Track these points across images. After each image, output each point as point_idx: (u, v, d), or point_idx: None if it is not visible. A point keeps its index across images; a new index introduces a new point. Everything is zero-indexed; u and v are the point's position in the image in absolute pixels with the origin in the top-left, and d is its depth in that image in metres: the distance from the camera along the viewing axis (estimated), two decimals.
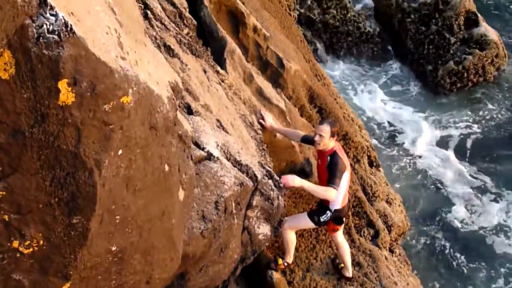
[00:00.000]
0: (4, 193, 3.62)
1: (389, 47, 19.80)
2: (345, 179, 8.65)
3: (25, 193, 3.70)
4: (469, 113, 17.42)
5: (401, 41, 19.39)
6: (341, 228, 9.46)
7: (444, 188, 15.12)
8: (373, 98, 17.94)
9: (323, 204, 9.01)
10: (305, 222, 9.10)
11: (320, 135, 8.41)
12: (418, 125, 17.02)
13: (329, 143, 8.48)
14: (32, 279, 4.09)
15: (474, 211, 14.53)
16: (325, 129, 8.40)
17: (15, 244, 3.86)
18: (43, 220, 3.86)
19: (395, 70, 19.07)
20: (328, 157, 8.52)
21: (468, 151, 16.22)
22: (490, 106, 17.61)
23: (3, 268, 3.93)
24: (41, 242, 3.94)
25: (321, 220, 8.99)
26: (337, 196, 8.70)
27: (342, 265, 10.00)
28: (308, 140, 8.96)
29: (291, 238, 9.40)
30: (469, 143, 16.47)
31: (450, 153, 16.13)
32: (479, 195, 14.96)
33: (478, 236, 13.90)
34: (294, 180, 8.21)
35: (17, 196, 3.68)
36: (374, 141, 15.34)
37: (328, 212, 8.91)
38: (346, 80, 18.63)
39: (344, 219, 9.15)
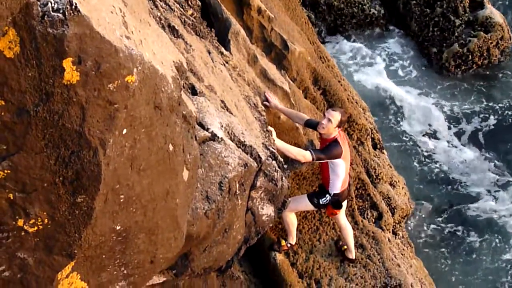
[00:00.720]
0: (9, 171, 3.63)
1: (394, 29, 19.73)
2: (342, 166, 8.70)
3: (30, 172, 3.71)
4: (474, 95, 17.35)
5: (406, 24, 19.32)
6: (343, 211, 9.49)
7: (448, 170, 15.11)
8: (377, 80, 17.89)
9: (323, 187, 9.06)
10: (305, 204, 9.16)
11: (329, 120, 8.44)
12: (422, 107, 16.97)
13: (333, 131, 8.50)
14: (37, 258, 4.11)
15: (478, 193, 14.53)
16: (336, 115, 8.44)
17: (20, 222, 3.87)
18: (47, 199, 3.87)
19: (400, 52, 19.00)
20: (328, 143, 8.56)
21: (472, 133, 16.19)
22: (494, 88, 17.55)
23: (8, 246, 3.94)
24: (46, 220, 3.95)
25: (321, 202, 9.05)
26: (336, 181, 8.80)
27: (345, 247, 10.04)
28: (311, 124, 8.97)
29: (291, 220, 9.45)
30: (473, 125, 16.43)
31: (454, 135, 16.10)
32: (484, 177, 14.94)
33: (482, 218, 13.91)
34: (272, 133, 8.26)
35: (21, 175, 3.69)
36: (378, 123, 15.31)
37: (327, 195, 8.97)
38: (350, 61, 18.58)
39: (342, 204, 9.17)
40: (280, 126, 9.56)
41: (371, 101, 16.64)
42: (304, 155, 8.30)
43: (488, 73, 17.92)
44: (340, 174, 8.75)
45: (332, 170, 8.76)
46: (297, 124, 9.78)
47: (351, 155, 10.06)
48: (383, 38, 19.40)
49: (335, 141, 8.55)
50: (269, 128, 8.36)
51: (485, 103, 17.13)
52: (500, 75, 17.89)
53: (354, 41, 19.14)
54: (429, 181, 14.82)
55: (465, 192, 14.51)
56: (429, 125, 16.42)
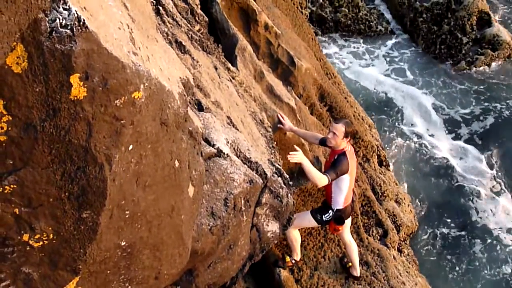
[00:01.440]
0: (15, 186, 3.63)
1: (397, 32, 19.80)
2: (347, 181, 8.68)
3: (36, 187, 3.72)
4: (481, 110, 17.33)
5: (413, 41, 19.37)
6: (347, 228, 9.47)
7: (455, 183, 15.07)
8: (383, 97, 17.89)
9: (326, 203, 9.05)
10: (308, 220, 9.14)
11: (334, 133, 8.44)
12: (426, 125, 16.96)
13: (342, 143, 8.50)
14: (42, 273, 4.10)
15: (487, 208, 14.47)
16: (340, 128, 8.43)
17: (25, 237, 3.87)
18: (53, 214, 3.87)
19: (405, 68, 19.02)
20: (336, 156, 8.56)
21: (481, 143, 16.14)
22: (500, 102, 17.53)
23: (13, 261, 3.94)
24: (51, 236, 3.95)
25: (324, 219, 9.03)
26: (339, 196, 8.78)
27: (350, 264, 10.02)
28: (323, 142, 8.98)
29: (295, 236, 9.44)
30: (481, 136, 16.39)
31: (461, 153, 16.07)
32: (493, 190, 14.88)
33: (490, 233, 13.84)
34: (299, 153, 8.24)
35: (27, 190, 3.70)
36: (385, 136, 15.31)
37: (330, 211, 8.95)
38: (355, 76, 18.59)
39: (346, 220, 9.15)
40: (286, 142, 9.56)
41: (377, 116, 16.64)
42: (321, 180, 8.25)
43: (490, 75, 17.90)
44: (344, 189, 8.73)
45: (335, 185, 8.74)
46: (302, 140, 9.79)
47: (357, 171, 10.06)
48: (385, 41, 19.42)
49: (343, 154, 8.54)
50: (296, 147, 8.36)
51: (494, 113, 17.09)
52: (502, 76, 17.86)
53: (355, 44, 19.15)
54: (435, 199, 14.78)
55: (471, 204, 14.44)
56: (436, 136, 16.38)
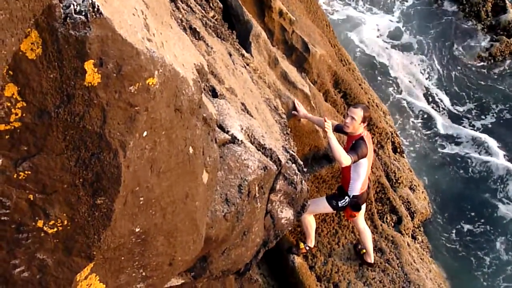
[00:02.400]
0: (29, 172, 3.63)
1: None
2: (365, 166, 8.66)
3: (50, 173, 3.72)
4: (497, 100, 17.22)
5: None
6: (362, 214, 9.45)
7: (470, 171, 15.01)
8: (399, 83, 17.81)
9: (342, 189, 9.03)
10: (324, 206, 9.12)
11: (352, 118, 8.42)
12: (443, 113, 16.88)
13: (359, 128, 8.48)
14: (56, 259, 4.11)
15: (498, 196, 14.41)
16: (358, 112, 8.41)
17: (40, 223, 3.88)
18: (67, 200, 3.88)
19: (421, 56, 18.92)
20: (354, 141, 8.52)
21: (496, 140, 16.05)
22: None
23: (27, 247, 3.95)
24: (66, 222, 3.96)
25: (339, 205, 9.01)
26: (356, 182, 8.76)
27: (364, 250, 10.01)
28: (338, 129, 8.93)
29: (310, 222, 9.43)
30: (498, 126, 16.30)
31: (475, 145, 15.98)
32: (507, 180, 14.82)
33: (503, 222, 13.79)
34: (329, 125, 8.24)
35: (42, 176, 3.70)
36: (398, 123, 15.27)
37: (346, 197, 8.93)
38: (369, 62, 18.52)
39: (362, 206, 9.13)
40: (300, 129, 9.54)
41: (390, 103, 16.59)
42: (346, 160, 8.23)
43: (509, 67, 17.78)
44: (362, 174, 8.70)
45: (354, 170, 8.71)
46: (317, 127, 9.76)
47: (373, 157, 10.04)
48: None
49: (361, 139, 8.52)
50: (327, 119, 8.36)
51: (504, 96, 17.00)
52: None
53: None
54: (449, 186, 14.73)
55: (485, 195, 14.40)
56: (451, 131, 16.31)
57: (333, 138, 8.25)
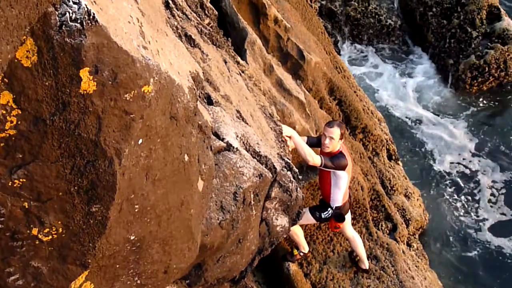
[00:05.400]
0: (24, 180, 3.63)
1: (410, 41, 19.70)
2: (345, 179, 8.64)
3: (45, 181, 3.71)
4: (490, 111, 17.27)
5: (423, 35, 19.29)
6: (348, 223, 9.43)
7: (464, 184, 15.04)
8: (392, 91, 17.86)
9: (324, 201, 9.01)
10: (307, 217, 9.09)
11: (331, 138, 8.34)
12: (437, 120, 16.93)
13: (337, 145, 8.44)
14: (51, 267, 4.10)
15: (494, 207, 14.44)
16: (335, 131, 8.33)
17: (35, 231, 3.87)
18: (62, 208, 3.87)
19: (416, 63, 18.97)
20: (333, 155, 8.49)
21: (488, 149, 16.09)
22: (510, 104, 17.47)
23: (22, 255, 3.94)
24: (60, 230, 3.95)
25: (323, 216, 9.00)
26: (337, 195, 8.76)
27: (358, 257, 10.01)
28: (313, 143, 8.86)
29: (295, 231, 9.42)
30: (489, 141, 16.34)
31: (468, 152, 16.01)
32: (500, 192, 14.84)
33: (499, 231, 13.81)
34: (287, 129, 8.37)
35: (37, 184, 3.70)
36: (392, 134, 15.29)
37: (329, 209, 8.92)
38: (365, 71, 18.57)
39: (346, 216, 9.11)
40: None
41: (385, 112, 16.64)
42: (314, 158, 8.20)
43: (507, 88, 17.83)
44: (342, 187, 8.68)
45: (334, 183, 8.69)
46: (312, 134, 9.76)
47: (354, 167, 10.04)
48: (399, 49, 19.39)
49: (340, 153, 8.49)
50: (283, 126, 8.37)
51: (504, 118, 17.04)
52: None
53: (370, 51, 19.14)
54: (444, 194, 14.76)
55: (481, 205, 14.43)
56: (444, 140, 16.34)
57: (296, 137, 8.27)
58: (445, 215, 14.07)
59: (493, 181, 15.09)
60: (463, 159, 15.71)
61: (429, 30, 18.91)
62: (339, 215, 8.96)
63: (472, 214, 14.18)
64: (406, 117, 16.99)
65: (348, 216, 9.33)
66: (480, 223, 13.97)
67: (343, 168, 8.45)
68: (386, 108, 17.11)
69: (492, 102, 17.49)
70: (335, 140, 8.33)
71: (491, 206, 14.42)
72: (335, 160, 8.37)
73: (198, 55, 7.35)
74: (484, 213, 14.24)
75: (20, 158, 3.56)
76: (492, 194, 14.75)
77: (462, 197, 14.62)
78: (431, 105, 17.47)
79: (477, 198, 14.63)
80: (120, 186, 3.98)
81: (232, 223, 6.22)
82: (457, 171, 15.33)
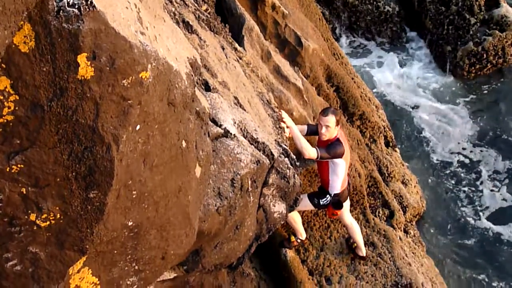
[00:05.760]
0: (22, 166, 3.63)
1: (408, 28, 19.67)
2: (342, 166, 8.61)
3: (43, 167, 3.71)
4: (487, 97, 17.26)
5: (421, 21, 19.25)
6: (346, 210, 9.42)
7: (462, 171, 15.05)
8: (390, 78, 17.86)
9: (323, 188, 9.01)
10: (305, 204, 9.08)
11: (327, 126, 8.33)
12: (434, 107, 16.92)
13: (334, 131, 8.43)
14: (49, 252, 4.11)
15: (492, 194, 14.45)
16: (331, 119, 8.30)
17: (32, 217, 3.87)
18: (60, 194, 3.87)
19: (414, 50, 18.95)
20: (330, 142, 8.47)
21: (486, 135, 16.09)
22: (508, 91, 17.44)
23: (20, 240, 3.95)
24: (58, 215, 3.95)
25: (321, 203, 8.99)
26: (336, 182, 8.73)
27: (355, 244, 10.02)
28: (313, 131, 8.87)
29: (293, 217, 9.41)
30: (487, 128, 16.34)
31: (467, 138, 16.02)
32: (499, 178, 14.85)
33: (496, 218, 13.83)
34: (287, 119, 8.32)
35: (35, 170, 3.69)
36: (390, 121, 15.28)
37: (327, 196, 8.91)
38: (364, 58, 18.56)
39: (344, 204, 9.11)
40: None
41: (382, 98, 16.63)
42: (309, 151, 8.19)
43: (504, 74, 17.80)
44: (340, 174, 8.67)
45: (332, 171, 8.68)
46: (310, 121, 9.76)
47: (352, 154, 10.03)
48: (397, 35, 19.37)
49: (337, 140, 8.47)
50: (282, 112, 8.37)
51: (500, 105, 17.04)
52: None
53: (368, 38, 19.12)
54: (442, 179, 14.77)
55: (479, 192, 14.44)
56: (442, 126, 16.34)
57: (294, 127, 8.27)
58: (442, 202, 14.09)
59: (492, 168, 15.10)
60: (461, 145, 15.71)
61: (427, 16, 18.87)
62: (337, 202, 8.96)
63: (470, 200, 14.19)
64: (404, 104, 16.98)
65: (347, 203, 9.33)
66: (478, 210, 13.99)
67: (339, 156, 8.44)
68: (384, 95, 17.10)
69: (490, 88, 17.48)
70: (331, 128, 8.31)
71: (490, 192, 14.43)
72: (331, 149, 8.36)
73: (196, 41, 7.34)
74: (482, 199, 14.25)
75: (17, 144, 3.56)
76: (491, 181, 14.76)
77: (460, 184, 14.64)
78: (429, 92, 17.45)
79: (475, 184, 14.64)
80: (117, 172, 3.98)
81: (230, 209, 6.22)
82: (455, 158, 15.34)
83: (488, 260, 12.91)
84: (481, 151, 15.55)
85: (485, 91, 17.38)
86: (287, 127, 8.31)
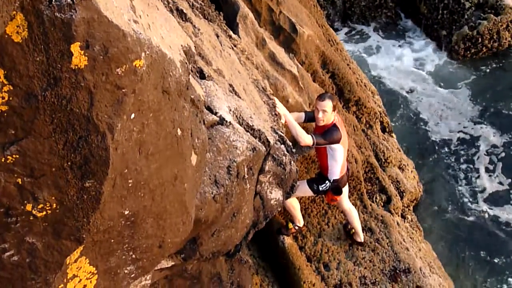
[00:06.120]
0: (17, 156, 3.62)
1: (403, 14, 19.66)
2: (341, 151, 8.64)
3: (38, 157, 3.71)
4: (484, 80, 17.29)
5: (415, 6, 19.24)
6: (345, 195, 9.45)
7: (460, 155, 15.07)
8: (386, 63, 17.86)
9: (322, 174, 9.03)
10: (304, 190, 9.11)
11: (324, 111, 8.35)
12: (431, 91, 16.94)
13: (331, 117, 8.44)
14: (45, 242, 4.11)
15: (488, 178, 14.47)
16: (327, 103, 8.33)
17: (29, 207, 3.87)
18: (56, 184, 3.87)
19: (409, 35, 18.94)
20: (326, 128, 8.49)
21: (482, 119, 16.12)
22: (505, 74, 17.45)
23: (16, 231, 3.94)
24: (54, 205, 3.95)
25: (320, 189, 9.02)
26: (334, 167, 8.76)
27: (353, 230, 10.04)
28: (310, 118, 8.89)
29: (292, 204, 9.44)
30: (484, 112, 16.36)
31: (464, 121, 16.03)
32: (496, 162, 14.87)
33: (492, 203, 13.86)
34: (280, 107, 8.32)
35: (30, 160, 3.69)
36: (386, 107, 15.29)
37: (327, 181, 8.93)
38: (359, 44, 18.55)
39: (343, 189, 9.13)
40: (289, 110, 9.53)
41: (378, 83, 16.64)
42: (304, 138, 8.20)
43: (499, 57, 17.82)
44: (339, 159, 8.70)
45: (331, 156, 8.70)
46: (306, 108, 9.76)
47: (349, 139, 10.04)
48: (392, 20, 19.36)
49: (334, 126, 8.49)
50: (276, 99, 8.36)
51: (496, 88, 17.05)
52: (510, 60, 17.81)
53: (363, 23, 19.12)
54: (438, 164, 14.79)
55: (476, 177, 14.47)
56: (439, 110, 16.36)
57: (288, 115, 8.28)
58: (440, 186, 14.13)
59: (490, 151, 15.13)
60: (458, 129, 15.75)
61: (421, 1, 18.87)
62: (336, 188, 8.99)
63: (467, 184, 14.24)
64: (400, 88, 17.01)
65: (346, 189, 9.35)
66: (476, 194, 14.04)
67: (337, 141, 8.46)
68: (380, 80, 17.13)
69: (486, 71, 17.51)
70: (328, 112, 8.33)
71: (487, 176, 14.47)
72: (328, 135, 8.38)
73: (190, 29, 7.32)
74: (479, 183, 14.30)
75: (12, 134, 3.55)
76: (489, 164, 14.79)
77: (457, 168, 14.68)
78: (425, 76, 17.48)
79: (472, 168, 14.68)
80: (113, 161, 3.97)
81: (226, 197, 6.22)
82: (452, 142, 15.37)
83: (486, 244, 12.96)
84: (479, 135, 15.58)
85: (482, 74, 17.43)
86: (283, 115, 8.32)
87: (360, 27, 19.23)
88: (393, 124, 14.47)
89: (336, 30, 18.58)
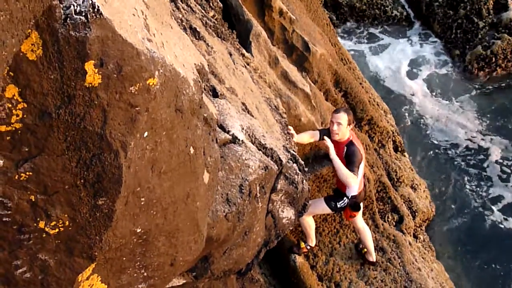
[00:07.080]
0: (30, 173, 3.63)
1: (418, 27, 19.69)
2: (361, 168, 8.62)
3: (51, 174, 3.72)
4: (497, 100, 17.23)
5: (429, 25, 19.25)
6: (360, 214, 9.43)
7: (472, 174, 15.00)
8: (398, 81, 17.83)
9: (340, 190, 9.00)
10: (322, 208, 9.09)
11: (339, 123, 8.34)
12: (445, 110, 16.89)
13: (346, 132, 8.43)
14: (58, 259, 4.11)
15: (501, 198, 14.39)
16: (343, 116, 8.34)
17: (41, 224, 3.88)
18: (69, 201, 3.88)
19: (422, 54, 18.94)
20: (345, 147, 8.47)
21: (497, 138, 16.05)
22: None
23: (29, 248, 3.95)
24: (67, 223, 3.96)
25: (338, 206, 8.99)
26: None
27: (365, 249, 10.00)
28: (326, 134, 8.87)
29: (308, 223, 9.42)
30: (499, 130, 16.29)
31: (479, 139, 15.98)
32: (507, 182, 14.80)
33: (506, 223, 13.77)
34: (330, 148, 8.24)
35: (43, 177, 3.70)
36: (399, 125, 15.25)
37: (345, 198, 8.90)
38: (371, 62, 18.55)
39: (361, 205, 9.11)
40: (301, 129, 9.54)
41: (391, 102, 16.60)
42: (352, 180, 8.22)
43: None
44: (359, 174, 8.68)
45: None
46: (318, 127, 9.75)
47: (373, 156, 10.03)
48: (406, 34, 19.38)
49: (351, 144, 8.46)
50: (325, 138, 8.37)
51: (508, 107, 17.01)
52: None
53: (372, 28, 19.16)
54: (451, 184, 14.73)
55: (488, 197, 14.39)
56: (451, 128, 16.31)
57: (336, 159, 8.26)
58: (452, 206, 14.05)
59: (504, 171, 15.05)
60: (472, 148, 15.67)
61: (435, 20, 18.89)
62: (354, 204, 8.97)
63: (481, 205, 14.15)
64: (413, 108, 16.95)
65: (361, 206, 9.34)
66: (489, 215, 13.95)
67: (361, 160, 8.46)
68: (393, 98, 17.08)
69: (499, 90, 17.44)
70: (343, 125, 8.33)
71: (502, 196, 14.38)
72: (355, 160, 8.33)
73: (203, 48, 7.35)
74: (493, 203, 14.21)
75: (26, 152, 3.57)
76: (502, 182, 14.71)
77: (470, 188, 14.60)
78: (440, 95, 17.42)
79: (486, 188, 14.60)
80: (126, 179, 3.98)
81: (238, 215, 6.21)
82: (465, 161, 15.30)
83: (501, 265, 12.86)
84: (493, 154, 15.51)
85: (494, 91, 17.34)
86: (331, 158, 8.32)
87: (370, 29, 19.26)
88: (406, 143, 14.45)
89: (345, 29, 18.59)
